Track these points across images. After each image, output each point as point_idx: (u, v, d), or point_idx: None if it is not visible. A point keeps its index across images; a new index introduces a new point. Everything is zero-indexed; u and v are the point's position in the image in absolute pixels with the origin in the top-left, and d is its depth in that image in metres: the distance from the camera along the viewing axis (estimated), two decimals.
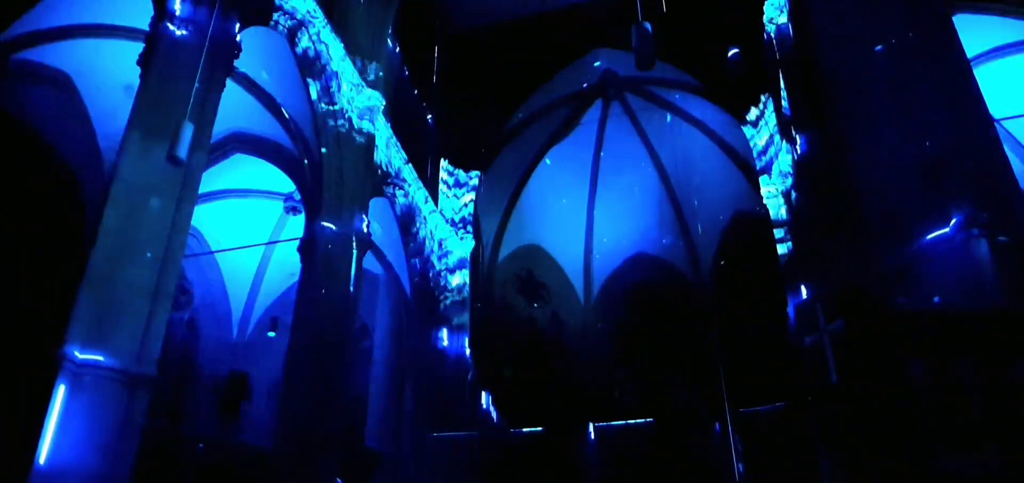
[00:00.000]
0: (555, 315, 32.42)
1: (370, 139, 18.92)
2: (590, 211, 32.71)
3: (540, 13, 27.31)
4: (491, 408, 26.58)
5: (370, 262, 20.59)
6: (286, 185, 21.05)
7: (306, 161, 17.89)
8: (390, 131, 20.59)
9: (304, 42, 16.77)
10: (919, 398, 6.64)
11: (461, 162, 26.63)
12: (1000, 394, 6.61)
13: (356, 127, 18.37)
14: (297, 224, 21.45)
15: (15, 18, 12.34)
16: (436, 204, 24.46)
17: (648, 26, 13.12)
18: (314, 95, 17.28)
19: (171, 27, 11.97)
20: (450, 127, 26.80)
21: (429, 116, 24.87)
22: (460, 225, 25.71)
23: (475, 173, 26.75)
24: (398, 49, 22.77)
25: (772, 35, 18.65)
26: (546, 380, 30.84)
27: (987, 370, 6.70)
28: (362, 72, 18.94)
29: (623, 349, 32.12)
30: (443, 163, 26.15)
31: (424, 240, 23.33)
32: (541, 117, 28.50)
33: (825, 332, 6.99)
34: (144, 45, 12.03)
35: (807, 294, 17.80)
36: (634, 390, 30.99)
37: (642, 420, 29.44)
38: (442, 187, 25.76)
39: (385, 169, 20.39)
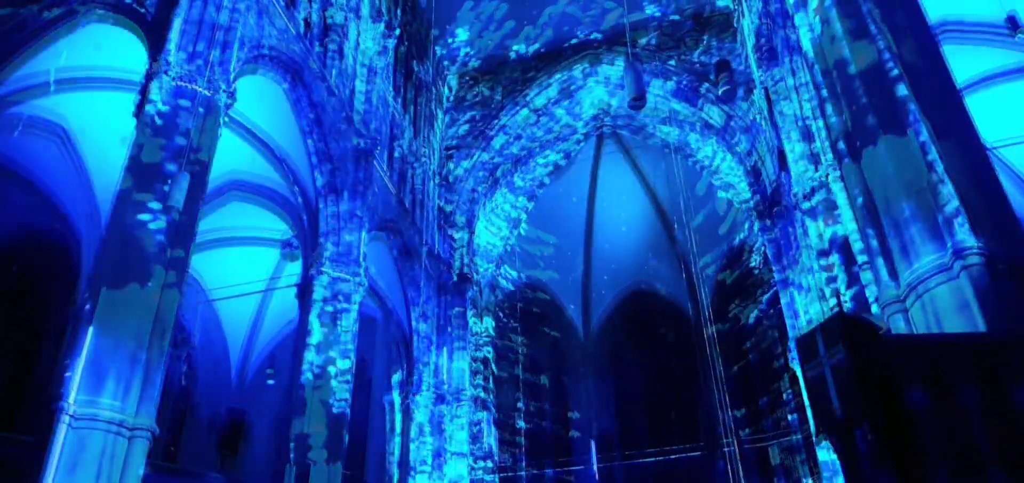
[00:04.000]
0: (554, 349, 32.33)
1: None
2: (587, 245, 32.76)
3: (532, 53, 27.53)
4: (493, 443, 26.41)
5: (367, 301, 20.56)
6: (283, 229, 21.07)
7: (302, 206, 17.94)
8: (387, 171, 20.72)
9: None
10: (921, 426, 6.59)
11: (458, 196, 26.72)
12: (1002, 420, 6.57)
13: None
14: (294, 268, 21.42)
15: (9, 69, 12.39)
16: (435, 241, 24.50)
17: (639, 64, 13.28)
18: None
19: (166, 77, 12.04)
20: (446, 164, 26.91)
21: (425, 153, 24.97)
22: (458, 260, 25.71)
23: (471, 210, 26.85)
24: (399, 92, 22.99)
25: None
26: (547, 414, 30.69)
27: (988, 396, 6.67)
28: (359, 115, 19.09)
29: (624, 382, 32.00)
30: (440, 201, 26.18)
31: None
32: (534, 154, 28.64)
33: (826, 362, 6.93)
34: (139, 96, 12.10)
35: (806, 324, 17.81)
36: (636, 423, 30.82)
37: (645, 453, 29.29)
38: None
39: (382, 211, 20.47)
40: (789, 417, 25.35)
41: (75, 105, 16.20)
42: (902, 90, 9.18)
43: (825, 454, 18.35)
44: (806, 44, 11.16)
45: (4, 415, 18.68)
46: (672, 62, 25.33)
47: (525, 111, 27.32)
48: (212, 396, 26.27)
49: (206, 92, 12.37)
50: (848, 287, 13.92)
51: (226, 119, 13.08)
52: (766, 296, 27.16)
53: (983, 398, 6.56)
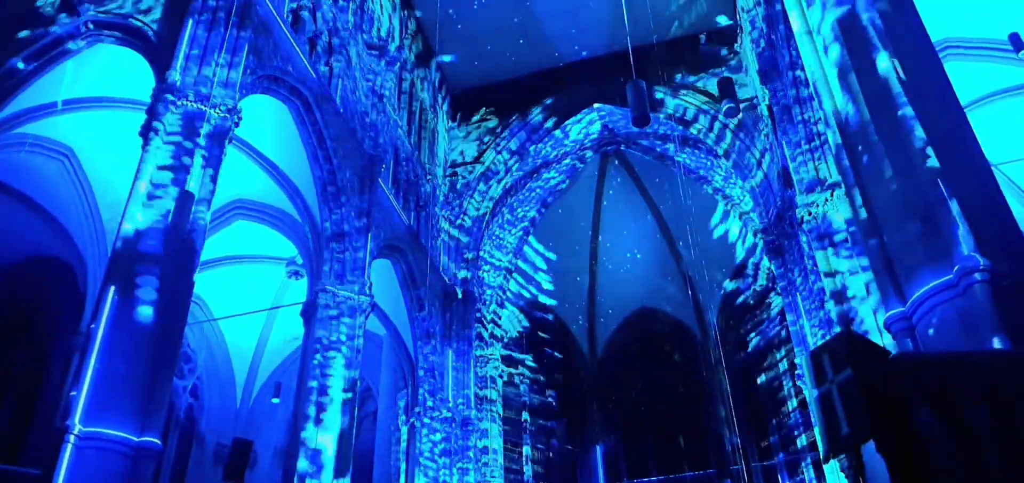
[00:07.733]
0: (560, 369, 32.23)
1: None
2: (592, 264, 32.73)
3: (535, 72, 27.55)
4: (499, 463, 26.28)
5: (372, 323, 20.53)
6: (288, 250, 21.09)
7: (308, 225, 17.96)
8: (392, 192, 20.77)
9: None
10: (929, 445, 6.52)
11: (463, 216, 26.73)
12: (1012, 438, 6.50)
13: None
14: (300, 288, 21.43)
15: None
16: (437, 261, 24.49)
17: (642, 83, 13.27)
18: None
19: (171, 98, 12.09)
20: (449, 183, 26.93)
21: (429, 175, 25.02)
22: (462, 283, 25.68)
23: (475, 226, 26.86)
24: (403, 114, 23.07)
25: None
26: (553, 434, 30.55)
27: (997, 415, 6.60)
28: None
29: (631, 405, 31.87)
30: (445, 225, 26.15)
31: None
32: (539, 174, 28.67)
33: (833, 383, 6.87)
34: (145, 116, 12.14)
35: (813, 344, 17.73)
36: (643, 444, 30.67)
37: (653, 478, 29.14)
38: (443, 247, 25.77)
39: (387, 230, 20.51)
40: (798, 439, 25.20)
41: (80, 126, 16.29)
42: (905, 108, 9.16)
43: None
44: (809, 63, 11.17)
45: (10, 445, 18.64)
46: (676, 78, 25.37)
47: (529, 131, 27.35)
48: (218, 420, 26.24)
49: (212, 112, 12.42)
50: (855, 306, 13.85)
51: (231, 139, 13.10)
52: (773, 315, 27.05)
53: (992, 417, 6.50)
